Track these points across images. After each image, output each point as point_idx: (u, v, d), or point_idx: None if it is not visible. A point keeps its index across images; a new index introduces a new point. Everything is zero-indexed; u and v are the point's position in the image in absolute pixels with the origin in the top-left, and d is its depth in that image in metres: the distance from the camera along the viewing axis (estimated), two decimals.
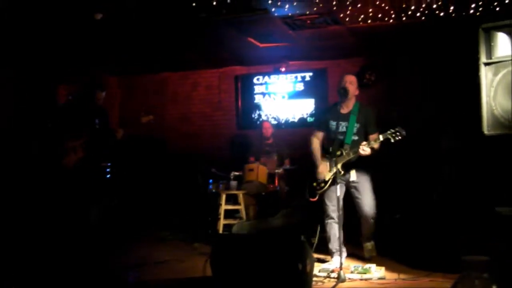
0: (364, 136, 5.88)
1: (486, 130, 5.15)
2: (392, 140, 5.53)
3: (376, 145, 5.69)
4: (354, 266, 5.55)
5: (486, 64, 5.20)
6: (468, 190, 6.48)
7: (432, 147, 7.42)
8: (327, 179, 5.91)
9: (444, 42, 8.28)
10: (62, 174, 6.81)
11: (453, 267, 4.57)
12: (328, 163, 5.92)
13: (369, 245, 6.13)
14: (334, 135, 5.92)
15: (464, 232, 5.83)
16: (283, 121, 10.44)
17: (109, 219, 8.01)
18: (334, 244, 5.96)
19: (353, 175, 5.88)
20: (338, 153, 5.82)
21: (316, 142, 6.14)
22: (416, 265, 5.68)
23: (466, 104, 6.11)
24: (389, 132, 5.55)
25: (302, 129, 9.96)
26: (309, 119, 10.23)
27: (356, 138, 5.86)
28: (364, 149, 5.61)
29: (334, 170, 5.78)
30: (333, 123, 5.93)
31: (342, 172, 5.79)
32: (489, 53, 5.21)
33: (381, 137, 5.59)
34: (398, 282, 5.18)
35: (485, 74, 5.20)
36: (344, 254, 5.93)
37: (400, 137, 5.51)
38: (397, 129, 5.53)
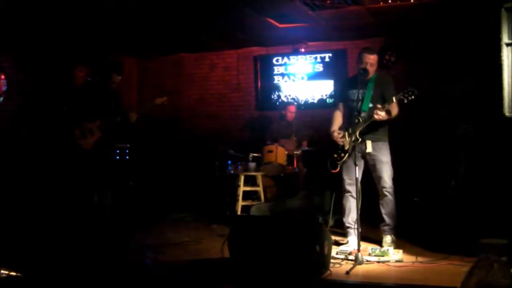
0: (382, 102, 5.76)
1: (507, 111, 5.09)
2: (406, 101, 5.36)
3: (393, 109, 5.58)
4: (372, 249, 5.54)
5: (508, 44, 5.14)
6: (486, 175, 6.41)
7: (451, 131, 7.35)
8: (346, 147, 5.86)
9: (465, 23, 8.14)
10: (79, 155, 6.87)
11: (471, 251, 4.56)
12: (346, 134, 5.90)
13: (388, 238, 5.90)
14: (352, 103, 5.88)
15: (482, 216, 5.78)
16: (302, 102, 10.38)
17: (126, 201, 8.07)
18: (348, 219, 6.00)
19: (369, 146, 5.80)
20: (356, 120, 5.73)
21: (337, 112, 6.17)
22: (434, 248, 5.65)
23: (487, 87, 6.03)
24: (401, 93, 5.39)
25: (322, 110, 9.92)
26: (329, 100, 10.17)
27: (371, 105, 5.75)
28: (378, 113, 5.52)
29: (353, 138, 5.70)
30: (350, 92, 5.92)
31: (360, 140, 5.65)
32: (511, 34, 5.13)
33: (394, 99, 5.44)
34: (416, 265, 5.15)
35: (507, 55, 5.13)
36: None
37: (413, 96, 5.32)
38: (409, 89, 5.36)
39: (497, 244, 2.99)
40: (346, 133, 5.89)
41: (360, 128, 5.67)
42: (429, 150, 8.23)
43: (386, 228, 5.93)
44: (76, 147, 6.83)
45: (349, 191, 5.97)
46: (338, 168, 5.98)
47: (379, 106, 5.58)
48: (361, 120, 5.69)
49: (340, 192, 6.13)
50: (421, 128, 8.45)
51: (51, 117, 7.35)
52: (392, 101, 5.49)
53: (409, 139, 8.41)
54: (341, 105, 6.19)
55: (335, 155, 5.99)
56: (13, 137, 8.06)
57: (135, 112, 7.22)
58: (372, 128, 5.77)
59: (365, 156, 5.90)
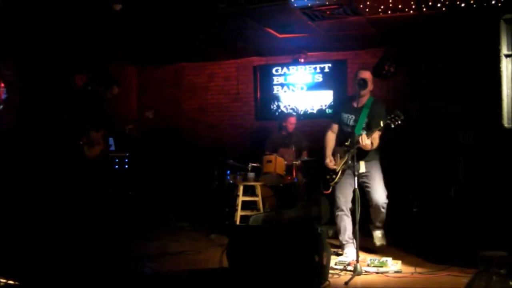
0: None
1: (506, 123, 5.08)
2: (392, 126, 5.44)
3: (375, 140, 5.66)
4: (371, 259, 5.53)
5: (507, 56, 5.13)
6: (486, 185, 6.42)
7: (450, 141, 7.37)
8: (337, 170, 5.92)
9: (464, 34, 8.17)
10: (85, 163, 6.95)
11: (470, 261, 4.55)
12: (338, 155, 5.96)
13: (378, 233, 6.08)
14: (345, 127, 6.01)
15: (482, 228, 5.78)
16: (301, 113, 10.38)
17: (126, 210, 8.08)
18: (344, 236, 6.03)
19: (362, 166, 5.83)
20: (347, 143, 5.84)
21: (329, 135, 6.22)
22: (433, 259, 5.65)
23: (486, 97, 6.05)
24: (388, 117, 5.47)
25: (321, 120, 9.93)
26: (328, 111, 10.17)
27: (365, 132, 5.77)
28: (363, 139, 5.56)
29: (344, 160, 5.84)
30: (344, 116, 6.01)
31: (350, 162, 5.75)
32: (510, 45, 5.14)
33: (381, 124, 5.50)
34: (415, 276, 5.14)
35: (506, 66, 5.13)
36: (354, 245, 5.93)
37: (399, 122, 5.41)
38: (396, 112, 5.44)
39: (497, 257, 2.98)
40: (338, 155, 5.96)
41: (351, 152, 5.73)
42: (429, 161, 8.23)
43: (375, 228, 6.07)
44: (83, 155, 6.91)
45: (342, 210, 6.02)
46: (330, 189, 6.06)
47: (364, 134, 5.64)
48: (351, 145, 5.75)
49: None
50: (421, 139, 8.46)
51: (51, 124, 7.39)
52: (380, 125, 5.54)
53: (409, 149, 8.41)
54: (335, 126, 6.20)
55: (328, 177, 6.06)
56: (13, 144, 8.07)
57: (131, 124, 7.40)
58: (365, 150, 5.79)
59: (358, 176, 5.89)
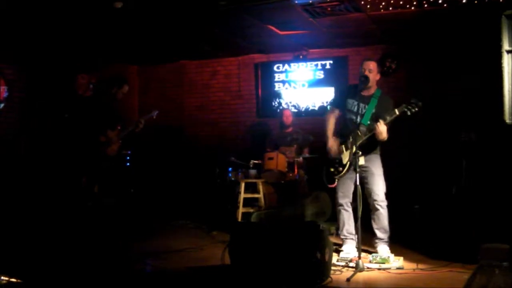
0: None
1: (508, 119, 5.09)
2: (409, 113, 5.37)
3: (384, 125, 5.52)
4: (373, 256, 5.53)
5: (509, 51, 5.14)
6: (488, 182, 6.40)
7: (452, 139, 7.35)
8: (345, 161, 5.84)
9: (466, 30, 8.16)
10: (108, 162, 7.01)
11: (472, 258, 4.55)
12: (343, 147, 5.88)
13: (383, 249, 5.79)
14: (350, 114, 5.87)
15: (483, 223, 5.77)
16: (303, 109, 10.36)
17: (127, 208, 8.08)
18: (343, 231, 6.02)
19: (361, 159, 5.65)
20: (354, 134, 5.64)
21: (330, 117, 6.16)
22: (435, 255, 5.66)
23: (488, 93, 6.03)
24: (404, 104, 5.40)
25: (323, 117, 9.90)
26: (330, 108, 10.14)
27: (370, 122, 5.70)
28: (379, 126, 5.45)
29: (353, 151, 5.60)
30: (350, 101, 5.90)
31: (360, 153, 5.54)
32: None
33: (397, 111, 5.44)
34: (417, 272, 5.15)
35: (508, 62, 5.13)
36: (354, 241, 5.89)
37: (417, 109, 5.35)
38: (413, 100, 5.39)
39: (499, 249, 2.97)
40: (343, 147, 5.88)
41: (360, 142, 5.60)
42: (430, 157, 8.22)
43: (378, 241, 5.88)
44: (105, 154, 6.95)
45: (341, 205, 5.99)
46: (336, 182, 5.96)
47: (381, 120, 5.52)
48: (360, 134, 5.62)
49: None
50: (423, 136, 8.45)
51: (52, 123, 7.39)
52: (395, 113, 5.47)
53: (411, 146, 8.40)
54: (336, 111, 6.16)
55: (332, 169, 5.95)
56: (14, 143, 8.08)
57: (142, 119, 7.43)
58: (365, 143, 5.73)
59: (358, 170, 5.83)
